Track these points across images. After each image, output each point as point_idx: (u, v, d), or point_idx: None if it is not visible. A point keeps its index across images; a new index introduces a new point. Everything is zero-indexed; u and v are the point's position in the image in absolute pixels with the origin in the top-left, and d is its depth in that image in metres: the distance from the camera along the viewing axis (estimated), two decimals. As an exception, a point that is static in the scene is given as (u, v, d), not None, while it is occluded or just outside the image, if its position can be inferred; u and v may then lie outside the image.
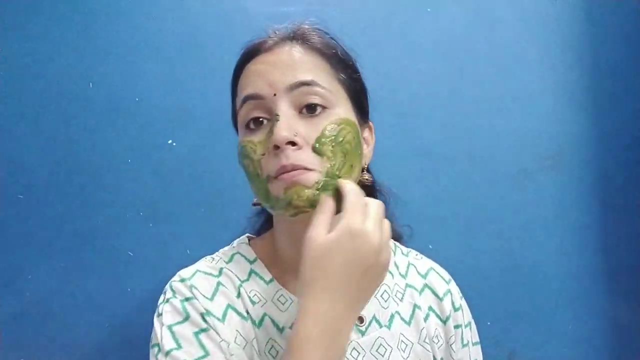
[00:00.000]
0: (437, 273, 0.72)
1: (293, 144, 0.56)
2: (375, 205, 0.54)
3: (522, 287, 0.97)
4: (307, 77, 0.59)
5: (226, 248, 0.69)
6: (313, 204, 0.56)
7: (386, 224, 0.55)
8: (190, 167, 0.93)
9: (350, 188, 0.55)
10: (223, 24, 0.96)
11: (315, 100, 0.58)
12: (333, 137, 0.58)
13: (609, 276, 0.99)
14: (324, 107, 0.59)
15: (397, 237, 0.77)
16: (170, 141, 0.94)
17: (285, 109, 0.57)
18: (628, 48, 1.02)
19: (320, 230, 0.52)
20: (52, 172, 0.91)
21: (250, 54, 0.63)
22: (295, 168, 0.55)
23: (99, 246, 0.90)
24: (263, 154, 0.58)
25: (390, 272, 0.68)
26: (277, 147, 0.56)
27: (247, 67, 0.62)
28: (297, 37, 0.62)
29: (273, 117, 0.57)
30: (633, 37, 1.02)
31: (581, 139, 1.01)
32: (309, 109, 0.58)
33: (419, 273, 0.71)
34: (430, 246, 0.94)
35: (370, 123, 0.68)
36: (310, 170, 0.56)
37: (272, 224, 0.68)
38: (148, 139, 0.93)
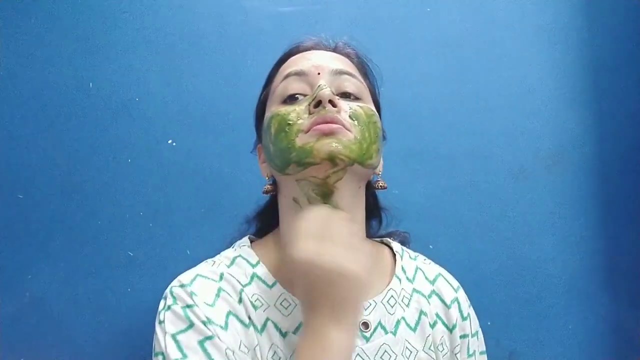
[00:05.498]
0: (446, 280, 0.71)
1: (334, 105, 0.57)
2: (311, 223, 0.52)
3: (522, 287, 0.97)
4: (349, 69, 0.64)
5: (227, 251, 0.67)
6: (350, 159, 0.56)
7: (338, 227, 0.52)
8: (190, 167, 0.93)
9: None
10: (223, 24, 0.96)
11: (353, 89, 0.62)
12: (368, 115, 0.60)
13: (609, 276, 0.99)
14: (358, 98, 0.62)
15: (402, 242, 0.76)
16: (170, 141, 0.94)
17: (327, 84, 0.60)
18: (628, 48, 1.02)
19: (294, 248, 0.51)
20: (52, 172, 0.91)
21: (293, 50, 0.67)
22: (335, 122, 0.56)
23: (99, 246, 0.90)
24: (298, 117, 0.58)
25: (397, 277, 0.67)
26: (318, 104, 0.57)
27: (290, 58, 0.66)
28: (335, 48, 0.68)
29: (314, 88, 0.59)
30: (633, 37, 1.02)
31: (581, 139, 1.00)
32: (345, 96, 0.61)
33: (427, 278, 0.70)
34: (430, 246, 0.93)
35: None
36: (349, 130, 0.57)
37: (274, 225, 0.67)
38: (148, 139, 0.93)
